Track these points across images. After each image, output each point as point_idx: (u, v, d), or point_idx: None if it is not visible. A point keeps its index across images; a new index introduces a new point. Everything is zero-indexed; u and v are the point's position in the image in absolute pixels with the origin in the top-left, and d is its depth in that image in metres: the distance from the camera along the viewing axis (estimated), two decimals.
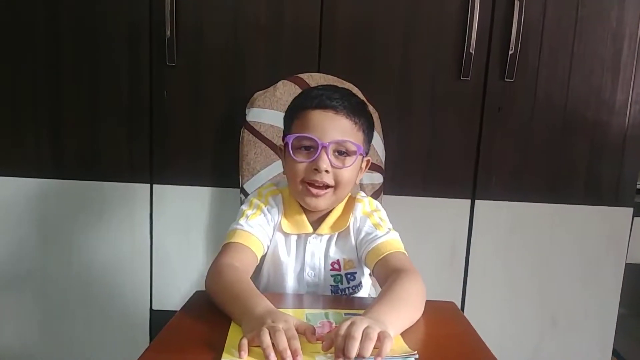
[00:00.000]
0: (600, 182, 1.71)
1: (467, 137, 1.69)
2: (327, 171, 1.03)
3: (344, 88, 1.15)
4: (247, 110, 1.59)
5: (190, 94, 1.66)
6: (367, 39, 1.64)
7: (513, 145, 1.69)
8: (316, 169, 1.02)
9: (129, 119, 1.67)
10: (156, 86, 1.65)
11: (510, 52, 1.61)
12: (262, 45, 1.63)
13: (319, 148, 1.02)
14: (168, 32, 1.59)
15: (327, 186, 1.04)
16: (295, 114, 1.08)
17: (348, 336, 0.71)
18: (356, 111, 1.06)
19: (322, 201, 1.06)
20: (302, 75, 1.58)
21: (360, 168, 1.12)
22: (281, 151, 1.12)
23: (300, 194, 1.07)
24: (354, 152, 1.05)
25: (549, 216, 1.72)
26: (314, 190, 1.04)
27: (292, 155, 1.04)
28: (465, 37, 1.61)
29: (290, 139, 1.05)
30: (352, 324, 0.74)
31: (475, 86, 1.66)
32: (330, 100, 1.04)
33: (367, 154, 1.13)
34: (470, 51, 1.61)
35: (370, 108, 1.56)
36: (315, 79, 1.57)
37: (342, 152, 1.04)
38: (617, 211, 1.71)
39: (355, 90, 1.58)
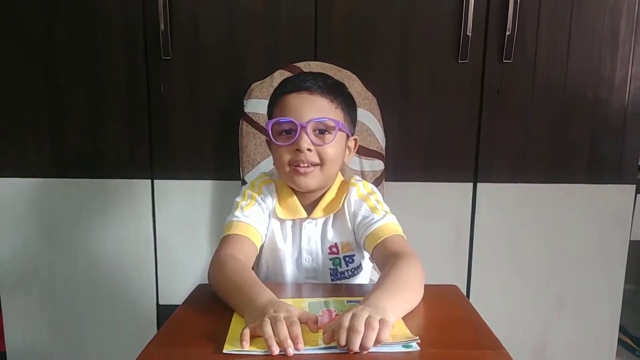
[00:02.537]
0: (602, 161, 1.70)
1: (467, 121, 1.68)
2: (309, 150, 1.04)
3: (320, 72, 1.18)
4: (245, 102, 1.59)
5: (187, 88, 1.65)
6: (364, 25, 1.62)
7: (513, 126, 1.68)
8: (298, 150, 1.04)
9: (127, 115, 1.67)
10: (153, 81, 1.65)
11: (508, 33, 1.60)
12: (259, 36, 1.63)
13: (298, 129, 1.03)
14: (162, 26, 1.59)
15: (312, 164, 1.06)
16: (273, 102, 1.11)
17: (351, 329, 0.71)
18: (331, 90, 1.08)
19: (310, 179, 1.07)
20: (299, 64, 1.58)
21: (348, 148, 1.14)
22: (268, 143, 1.14)
23: (289, 177, 1.08)
24: (333, 128, 1.06)
25: (552, 196, 1.71)
26: (301, 169, 1.06)
27: (274, 140, 1.07)
28: (461, 19, 1.60)
29: (269, 124, 1.07)
30: (353, 316, 0.74)
31: (474, 69, 1.64)
32: (304, 82, 1.07)
33: (352, 134, 1.15)
34: (467, 34, 1.60)
35: (369, 95, 1.58)
36: (312, 67, 1.56)
37: (322, 131, 1.06)
38: (619, 189, 1.70)
39: (353, 77, 1.58)
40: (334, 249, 1.14)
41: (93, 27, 1.62)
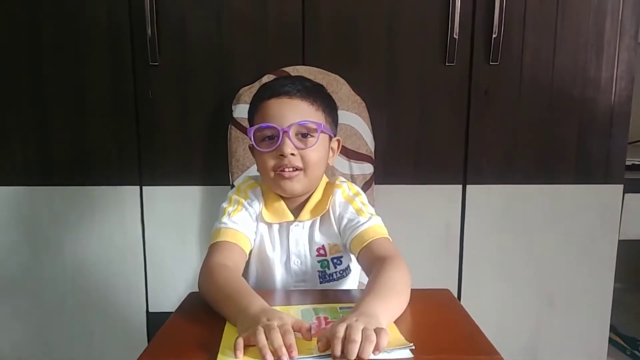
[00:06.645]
0: (589, 160, 1.71)
1: (456, 123, 1.68)
2: (292, 154, 1.05)
3: (299, 76, 1.19)
4: (233, 107, 1.58)
5: (175, 93, 1.64)
6: (351, 29, 1.62)
7: (501, 128, 1.68)
8: (282, 155, 1.04)
9: (114, 121, 1.65)
10: (140, 87, 1.63)
11: (494, 36, 1.61)
12: (247, 40, 1.62)
13: (280, 134, 1.04)
14: (149, 31, 1.58)
15: (296, 169, 1.06)
16: (253, 108, 1.12)
17: (348, 339, 0.71)
18: (311, 93, 1.09)
19: (295, 184, 1.08)
20: (287, 69, 1.57)
21: (332, 149, 1.15)
22: (251, 150, 1.14)
23: (274, 182, 1.09)
24: (315, 131, 1.06)
25: (541, 197, 1.72)
26: (285, 174, 1.06)
27: (257, 147, 1.07)
28: (448, 22, 1.60)
29: (251, 131, 1.08)
30: (348, 326, 0.73)
31: (461, 71, 1.65)
32: (282, 86, 1.08)
33: (334, 134, 1.15)
34: (454, 37, 1.61)
35: (357, 98, 1.58)
36: (300, 71, 1.56)
37: (304, 134, 1.07)
38: (607, 189, 1.71)
39: (341, 81, 1.58)
40: (322, 251, 1.14)
41: (79, 34, 1.60)
